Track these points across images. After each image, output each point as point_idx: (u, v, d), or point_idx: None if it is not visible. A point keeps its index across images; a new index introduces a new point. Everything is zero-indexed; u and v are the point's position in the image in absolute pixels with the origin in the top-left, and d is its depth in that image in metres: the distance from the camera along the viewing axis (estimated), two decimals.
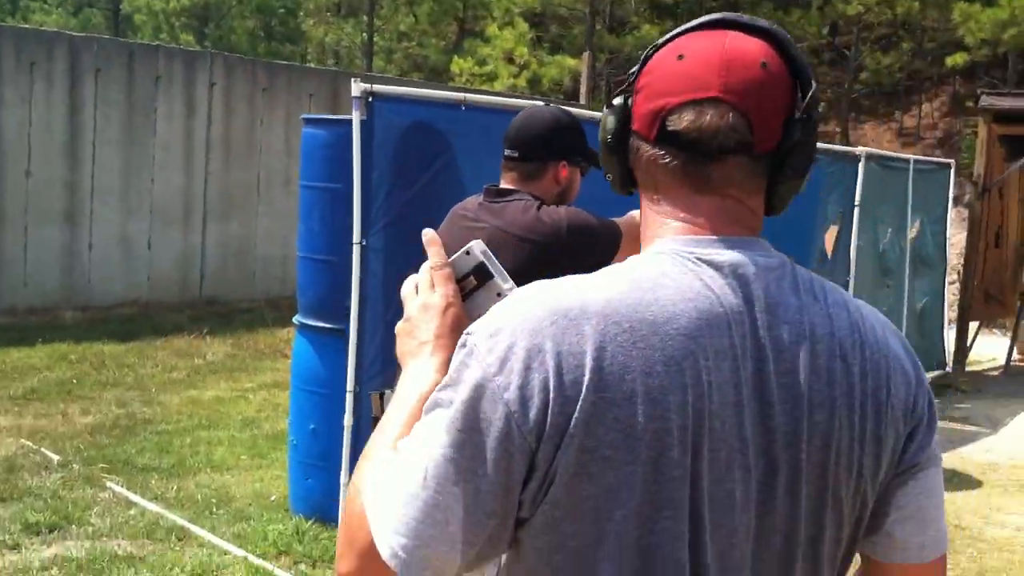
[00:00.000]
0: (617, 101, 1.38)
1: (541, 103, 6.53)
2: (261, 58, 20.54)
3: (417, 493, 1.20)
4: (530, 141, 3.03)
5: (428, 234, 1.53)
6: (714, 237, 1.31)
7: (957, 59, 21.68)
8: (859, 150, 10.26)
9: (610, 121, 1.38)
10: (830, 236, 9.31)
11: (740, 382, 1.24)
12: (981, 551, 6.16)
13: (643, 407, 1.19)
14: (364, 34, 28.50)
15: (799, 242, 7.93)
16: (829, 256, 9.20)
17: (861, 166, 9.95)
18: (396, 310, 4.87)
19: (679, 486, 1.21)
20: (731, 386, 1.24)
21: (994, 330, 14.67)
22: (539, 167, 3.04)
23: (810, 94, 1.32)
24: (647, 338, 1.21)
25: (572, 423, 1.18)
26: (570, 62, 23.47)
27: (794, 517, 1.28)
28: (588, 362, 1.19)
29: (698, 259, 1.28)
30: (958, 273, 13.89)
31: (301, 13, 31.73)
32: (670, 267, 1.27)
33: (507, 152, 3.07)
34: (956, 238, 13.51)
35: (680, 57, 1.32)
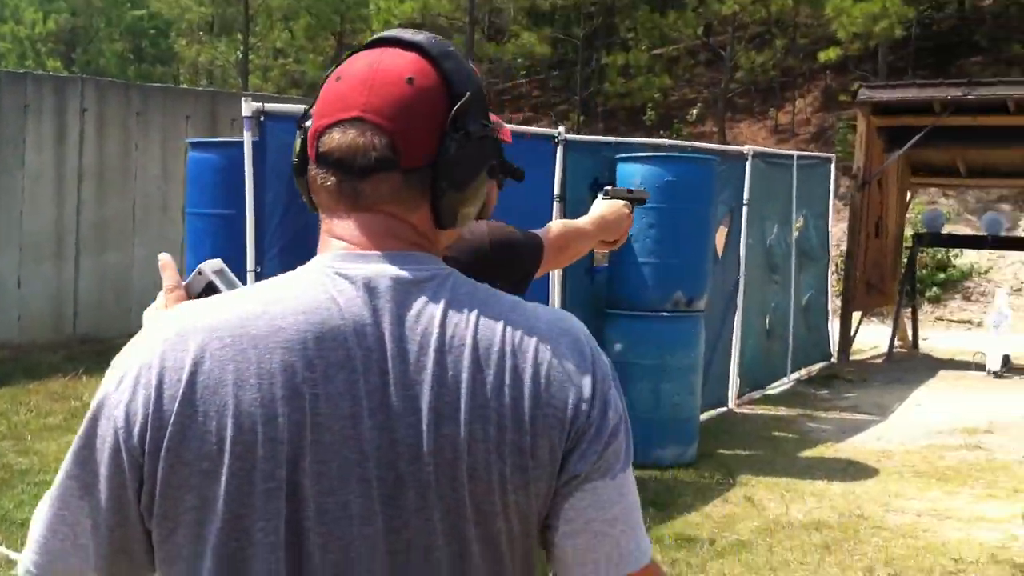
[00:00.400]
0: (306, 124, 1.38)
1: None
2: (134, 81, 20.02)
3: (45, 511, 1.28)
4: None
5: (162, 258, 1.55)
6: (358, 252, 1.31)
7: (830, 54, 22.09)
8: (746, 148, 10.41)
9: (297, 144, 1.39)
10: (720, 236, 9.40)
11: (359, 394, 1.24)
12: (886, 539, 6.22)
13: (233, 420, 1.21)
14: (239, 52, 28.02)
15: (695, 244, 7.95)
16: (720, 256, 9.27)
17: (748, 164, 10.09)
18: None
19: (273, 497, 1.22)
20: (347, 398, 1.23)
21: (872, 319, 14.99)
22: None
23: (456, 107, 1.32)
24: (245, 351, 1.23)
25: (168, 436, 1.21)
26: None
27: (430, 532, 1.26)
28: (185, 376, 1.22)
29: (336, 273, 1.29)
30: (836, 265, 14.18)
31: (172, 33, 31.10)
32: (303, 281, 1.29)
33: None
34: (836, 230, 13.78)
35: (338, 79, 1.35)
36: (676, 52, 27.47)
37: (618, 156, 8.08)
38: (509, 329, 1.29)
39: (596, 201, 3.13)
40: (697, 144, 11.19)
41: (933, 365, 12.98)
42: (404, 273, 1.30)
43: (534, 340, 1.29)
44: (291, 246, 5.22)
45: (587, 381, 1.29)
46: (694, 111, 26.01)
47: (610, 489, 1.30)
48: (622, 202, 3.11)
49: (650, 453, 7.64)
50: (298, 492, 1.22)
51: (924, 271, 17.00)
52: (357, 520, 1.24)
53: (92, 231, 12.77)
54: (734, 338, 9.88)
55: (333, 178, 1.32)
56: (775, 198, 10.96)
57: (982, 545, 6.13)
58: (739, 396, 10.08)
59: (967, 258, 18.16)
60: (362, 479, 1.24)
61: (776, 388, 11.06)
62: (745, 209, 10.02)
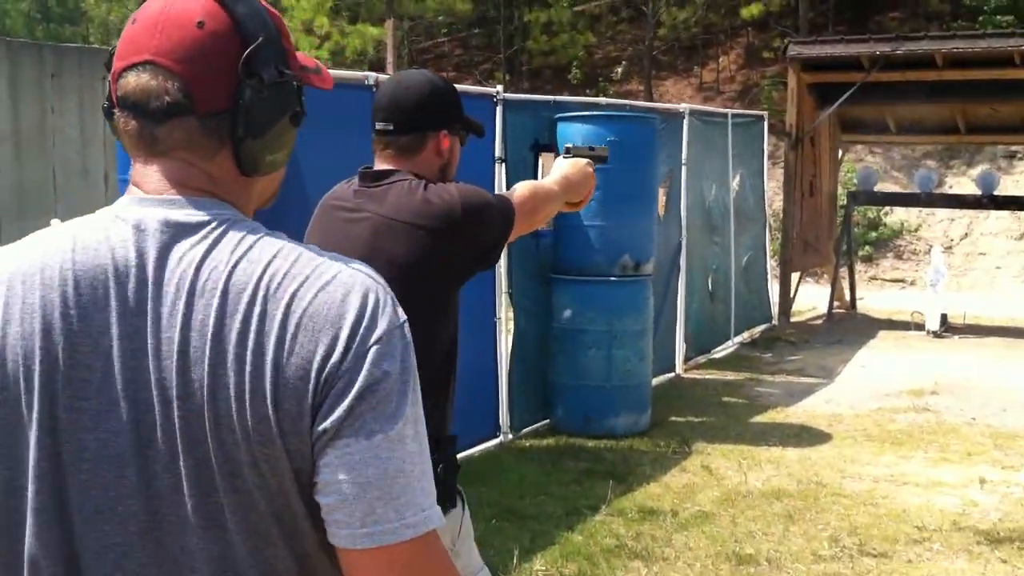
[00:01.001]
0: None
1: (373, 74, 6.15)
2: (49, 42, 19.27)
3: None
4: (406, 111, 2.66)
5: None
6: (143, 196, 1.31)
7: (753, 10, 22.11)
8: (682, 107, 10.24)
9: (106, 88, 1.37)
10: (661, 197, 9.21)
11: (117, 334, 1.25)
12: (847, 507, 6.13)
13: None
14: None
15: (641, 206, 7.77)
16: (661, 217, 9.09)
17: (685, 123, 9.92)
18: None
19: (38, 430, 1.25)
20: (106, 337, 1.25)
21: (808, 279, 15.02)
22: (418, 139, 2.67)
23: (247, 52, 1.31)
24: (14, 288, 1.27)
25: None
26: (373, 31, 22.82)
27: (180, 480, 1.25)
28: None
29: (116, 216, 1.30)
30: (770, 225, 14.16)
31: None
32: (88, 224, 1.31)
33: (379, 126, 2.68)
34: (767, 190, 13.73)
35: (134, 21, 1.34)
36: (598, 9, 27.25)
37: (557, 116, 7.83)
38: (268, 275, 1.26)
39: (558, 160, 3.02)
40: (634, 103, 10.99)
41: (872, 325, 13.03)
42: (176, 217, 1.29)
43: (292, 287, 1.25)
44: None
45: (344, 332, 1.24)
46: (619, 69, 25.86)
47: (364, 450, 1.23)
48: (585, 160, 3.02)
49: (604, 423, 7.51)
50: (58, 427, 1.25)
51: (857, 230, 17.06)
52: (115, 461, 1.25)
53: (10, 198, 12.21)
54: (679, 302, 9.72)
55: (133, 122, 1.32)
56: (712, 158, 10.83)
57: (943, 512, 6.08)
58: (686, 361, 9.97)
59: (897, 216, 18.32)
60: (119, 420, 1.24)
61: (721, 352, 10.99)
62: (684, 169, 9.86)
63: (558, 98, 8.80)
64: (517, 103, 7.83)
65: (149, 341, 1.24)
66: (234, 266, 1.26)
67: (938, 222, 18.21)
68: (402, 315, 1.31)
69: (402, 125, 2.66)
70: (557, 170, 2.98)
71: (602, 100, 10.02)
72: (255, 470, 1.24)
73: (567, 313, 7.58)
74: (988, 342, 11.81)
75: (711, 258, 10.81)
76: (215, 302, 1.24)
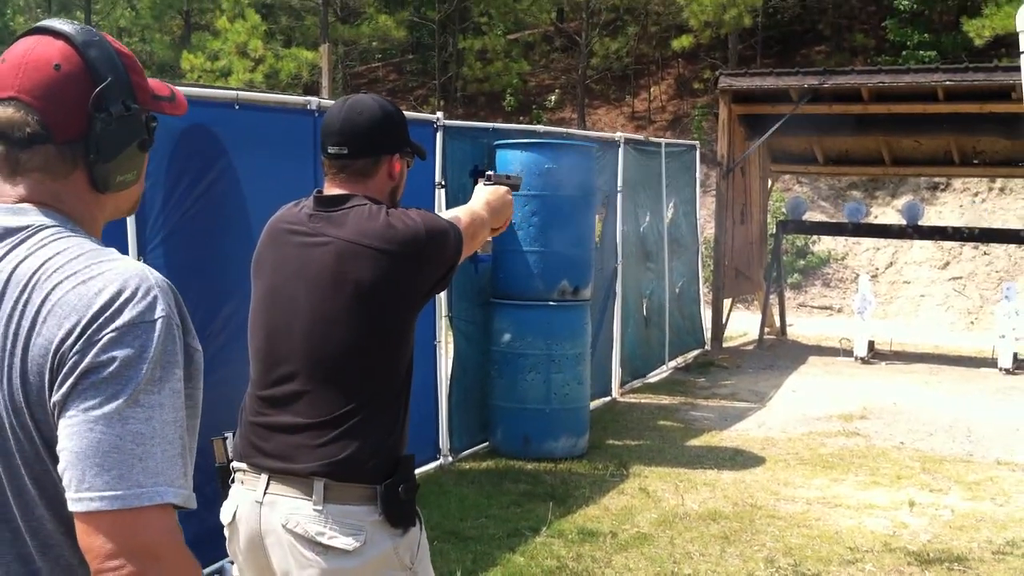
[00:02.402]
0: None
1: (315, 99, 6.17)
2: None
3: None
4: (360, 135, 2.67)
5: None
6: None
7: (683, 42, 22.41)
8: (618, 135, 10.36)
9: None
10: (596, 223, 9.32)
11: None
12: (781, 529, 6.23)
13: None
14: None
15: (578, 232, 7.86)
16: (598, 243, 9.19)
17: (621, 151, 10.05)
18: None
19: None
20: None
21: (738, 305, 15.23)
22: (372, 163, 2.68)
23: (96, 91, 1.53)
24: None
25: None
26: (307, 55, 22.74)
27: None
28: None
29: None
30: (700, 253, 14.36)
31: (8, 11, 29.57)
32: None
33: (332, 150, 2.68)
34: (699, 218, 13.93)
35: (3, 60, 1.55)
36: (532, 38, 27.48)
37: (496, 143, 7.90)
38: (42, 268, 1.45)
39: (478, 187, 3.06)
40: (571, 131, 11.09)
41: (801, 351, 13.26)
42: (4, 222, 1.50)
43: (57, 278, 1.44)
44: (174, 235, 4.91)
45: (85, 319, 1.40)
46: (552, 97, 26.06)
47: (81, 423, 1.37)
48: (504, 188, 3.06)
49: (543, 445, 7.56)
50: None
51: (786, 258, 17.34)
52: None
53: None
54: (615, 327, 9.83)
55: (1, 147, 1.53)
56: (647, 185, 10.98)
57: (874, 533, 6.21)
58: (622, 385, 10.06)
59: (824, 245, 18.65)
60: None
61: (656, 376, 11.11)
62: (619, 196, 9.98)
63: (497, 125, 8.87)
64: (456, 129, 7.87)
65: None
66: (21, 261, 1.47)
67: (864, 251, 18.59)
68: (160, 312, 1.44)
69: (356, 149, 2.67)
70: (479, 196, 3.01)
71: (540, 128, 10.12)
72: (15, 436, 1.43)
73: (506, 337, 7.63)
74: (914, 368, 12.09)
75: (646, 284, 10.94)
76: None
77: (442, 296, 7.33)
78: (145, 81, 1.65)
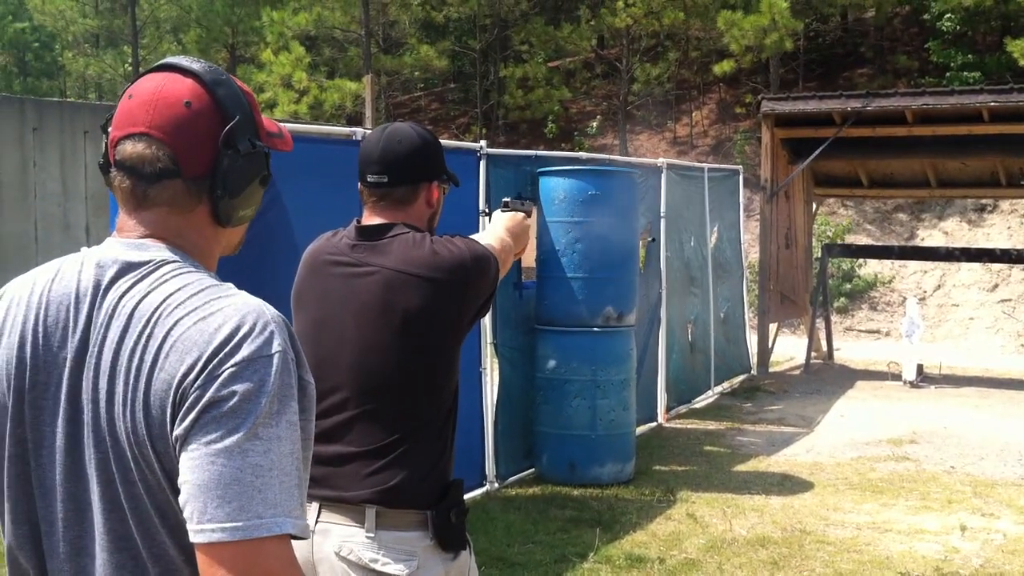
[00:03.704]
0: (108, 131, 1.63)
1: (360, 129, 6.24)
2: (28, 96, 19.29)
3: None
4: (400, 163, 2.69)
5: None
6: (115, 239, 1.60)
7: (724, 67, 22.35)
8: (660, 161, 10.37)
9: (102, 147, 1.64)
10: (640, 249, 9.32)
11: (71, 348, 1.53)
12: (831, 554, 6.18)
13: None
14: (127, 65, 27.30)
15: (622, 258, 7.86)
16: (642, 269, 9.19)
17: (663, 177, 10.05)
18: None
19: (9, 421, 1.55)
20: (64, 349, 1.54)
21: (784, 330, 15.13)
22: (411, 191, 2.70)
23: (226, 128, 1.59)
24: (10, 307, 1.59)
25: None
26: (351, 85, 22.97)
27: (89, 473, 1.51)
28: None
29: (92, 254, 1.59)
30: (744, 277, 14.30)
31: (57, 46, 30.13)
32: (72, 258, 1.62)
33: (372, 178, 2.70)
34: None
35: (130, 97, 1.61)
36: (573, 65, 27.57)
37: (539, 170, 7.94)
38: (165, 303, 1.49)
39: (495, 214, 3.08)
40: (613, 157, 11.13)
41: (849, 375, 13.16)
42: (129, 256, 1.56)
43: (178, 313, 1.48)
44: (223, 267, 4.94)
45: (206, 354, 1.44)
46: (594, 123, 26.11)
47: (203, 456, 1.41)
48: (521, 214, 3.08)
49: (589, 471, 7.55)
50: (24, 420, 1.54)
51: (832, 282, 17.24)
52: (60, 451, 1.53)
53: None
54: (660, 352, 9.81)
55: (128, 181, 1.58)
56: (690, 210, 10.98)
57: (925, 558, 6.14)
58: (667, 411, 10.04)
59: (871, 268, 18.50)
60: (63, 417, 1.52)
61: (702, 402, 11.06)
62: (663, 222, 9.98)
63: (539, 152, 8.91)
64: (500, 157, 7.92)
65: (88, 355, 1.51)
66: (145, 295, 1.51)
67: (911, 274, 18.42)
68: (277, 347, 1.48)
69: (396, 177, 2.68)
70: (499, 224, 3.02)
71: (582, 155, 10.16)
72: (137, 466, 1.47)
73: (551, 363, 7.64)
74: (964, 391, 11.94)
75: (690, 309, 10.92)
76: (122, 324, 1.50)
77: (487, 323, 7.36)
78: (262, 119, 1.72)
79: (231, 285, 1.57)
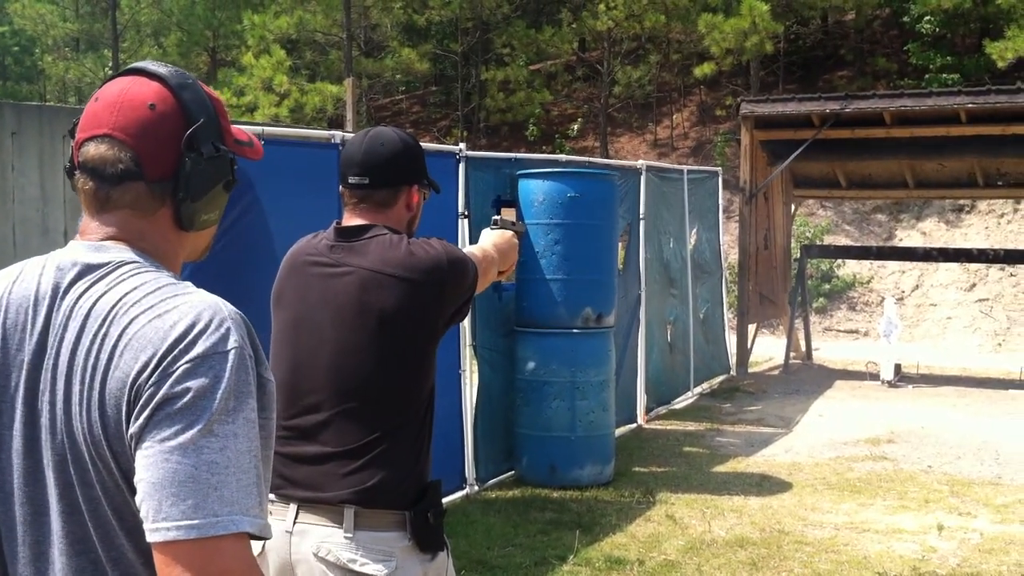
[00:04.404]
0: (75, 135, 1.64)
1: (339, 133, 6.25)
2: (7, 100, 19.22)
3: None
4: (381, 166, 2.71)
5: None
6: (77, 241, 1.60)
7: (705, 69, 22.40)
8: (639, 163, 10.41)
9: (68, 151, 1.65)
10: (619, 250, 9.35)
11: (28, 351, 1.53)
12: (809, 555, 6.22)
13: None
14: (107, 69, 27.17)
15: (601, 260, 7.89)
16: (621, 270, 9.22)
17: (643, 178, 10.09)
18: None
19: None
20: (21, 352, 1.54)
21: (763, 330, 15.18)
22: (391, 194, 2.74)
23: (189, 131, 1.59)
24: None
25: None
26: (332, 88, 22.92)
27: (45, 474, 1.51)
28: None
29: (53, 256, 1.59)
30: (724, 279, 14.34)
31: (37, 50, 29.99)
32: (35, 261, 1.61)
33: (353, 180, 2.73)
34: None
35: (96, 100, 1.62)
36: (554, 68, 27.60)
37: (519, 172, 7.95)
38: (120, 303, 1.49)
39: (485, 232, 3.12)
40: (593, 160, 11.16)
41: (828, 375, 13.21)
42: (87, 259, 1.55)
43: (133, 311, 1.48)
44: (201, 270, 4.93)
45: (160, 352, 1.43)
46: (575, 126, 26.14)
47: (156, 454, 1.40)
48: (510, 232, 3.12)
49: (569, 473, 7.57)
50: None
51: (811, 282, 17.30)
52: (18, 455, 1.53)
53: None
54: (639, 353, 9.84)
55: (91, 183, 1.58)
56: (669, 212, 11.02)
57: (903, 558, 6.18)
58: (647, 412, 10.06)
59: (849, 268, 18.58)
60: (21, 421, 1.53)
61: (681, 402, 11.10)
62: (642, 223, 10.02)
63: (519, 155, 8.92)
64: (479, 160, 7.93)
65: (45, 357, 1.52)
66: (101, 296, 1.51)
67: (890, 274, 18.51)
68: (233, 343, 1.47)
69: (377, 179, 2.71)
70: (487, 240, 3.06)
71: (562, 157, 10.18)
72: (95, 467, 1.47)
73: (531, 365, 7.66)
74: (942, 391, 12.01)
75: (670, 310, 10.95)
76: (79, 324, 1.50)
77: (466, 325, 7.38)
78: (230, 125, 1.72)
79: (189, 284, 1.56)
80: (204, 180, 1.62)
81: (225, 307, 1.52)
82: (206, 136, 1.61)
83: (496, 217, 3.18)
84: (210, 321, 1.48)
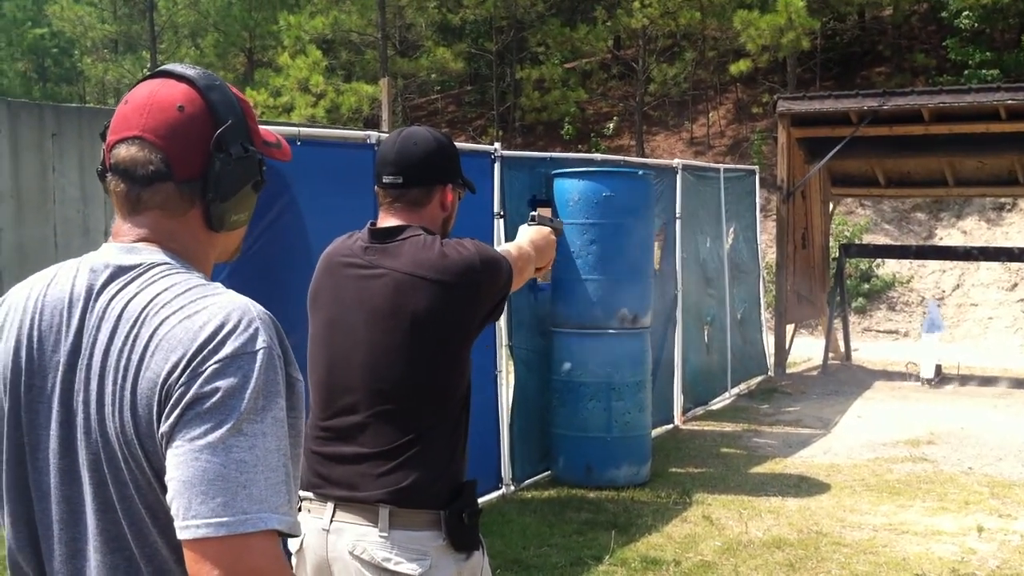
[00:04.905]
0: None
1: (375, 133, 6.27)
2: (43, 101, 19.42)
3: None
4: (415, 165, 2.72)
5: None
6: (110, 243, 1.62)
7: (741, 66, 22.26)
8: (675, 162, 10.37)
9: (100, 154, 1.67)
10: (655, 250, 9.32)
11: (63, 351, 1.55)
12: (847, 556, 6.18)
13: None
14: (146, 70, 27.39)
15: (637, 260, 7.87)
16: (657, 271, 9.19)
17: (679, 177, 10.05)
18: None
19: (5, 422, 1.59)
20: (56, 354, 1.56)
21: (801, 331, 15.08)
22: (425, 193, 2.74)
23: (218, 132, 1.61)
24: (8, 312, 1.62)
25: None
26: (367, 88, 23.01)
27: (81, 474, 1.54)
28: None
29: (86, 259, 1.61)
30: (761, 278, 14.25)
31: (76, 52, 30.30)
32: (68, 264, 1.64)
33: (387, 179, 2.74)
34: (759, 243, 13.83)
35: (126, 103, 1.64)
36: (589, 66, 27.55)
37: (554, 172, 7.95)
38: (151, 304, 1.51)
39: (522, 228, 3.12)
40: (628, 159, 11.12)
41: (867, 376, 13.11)
42: (120, 260, 1.58)
43: (164, 312, 1.50)
44: (238, 271, 4.95)
45: (189, 350, 1.46)
46: (610, 124, 26.09)
47: (187, 452, 1.42)
48: (548, 229, 3.12)
49: (605, 474, 7.56)
50: (20, 423, 1.57)
51: (849, 282, 17.16)
52: (55, 454, 1.55)
53: (12, 256, 12.26)
54: (676, 354, 9.81)
55: (123, 185, 1.60)
56: (705, 211, 10.97)
57: (942, 560, 6.14)
58: (684, 412, 10.03)
59: (889, 268, 18.44)
60: (57, 420, 1.55)
61: (718, 403, 11.06)
62: (678, 223, 9.98)
63: (554, 154, 8.93)
64: (514, 160, 7.93)
65: (80, 356, 1.54)
66: (132, 297, 1.53)
67: (930, 273, 18.35)
68: (262, 343, 1.49)
69: (411, 178, 2.72)
70: (524, 236, 3.06)
71: (597, 156, 10.15)
72: (127, 466, 1.49)
73: (567, 366, 7.65)
74: (982, 392, 11.90)
75: (707, 310, 10.90)
76: (111, 326, 1.52)
77: (502, 325, 7.38)
78: (258, 126, 1.74)
79: (219, 285, 1.59)
80: (233, 180, 1.65)
81: (254, 307, 1.54)
82: (234, 137, 1.64)
83: (534, 213, 3.17)
84: (239, 322, 1.50)
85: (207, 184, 1.62)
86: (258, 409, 1.45)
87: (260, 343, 1.49)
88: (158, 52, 28.00)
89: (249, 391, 1.45)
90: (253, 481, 1.42)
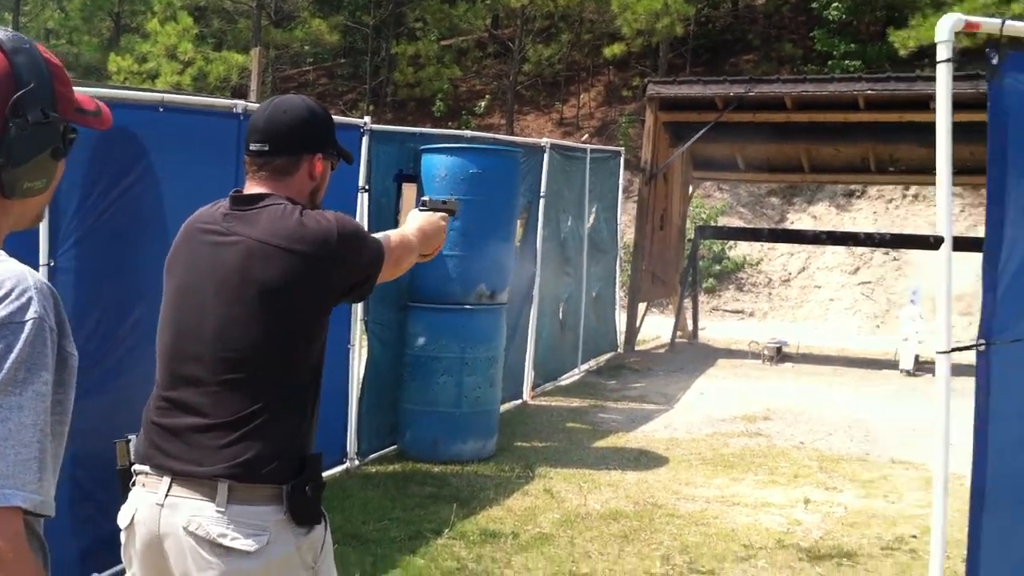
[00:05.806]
0: None
1: (242, 102, 6.14)
2: None
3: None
4: (283, 133, 2.66)
5: None
6: None
7: (615, 49, 22.53)
8: (544, 141, 10.44)
9: None
10: (518, 228, 9.44)
11: None
12: (679, 527, 6.38)
13: None
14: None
15: (499, 237, 7.97)
16: (518, 248, 9.31)
17: (546, 156, 10.15)
18: (95, 338, 4.32)
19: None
20: None
21: (653, 309, 15.40)
22: (292, 161, 2.67)
23: (15, 96, 1.56)
24: None
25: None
26: (238, 58, 22.68)
27: None
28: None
29: None
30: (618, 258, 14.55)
31: None
32: None
33: (254, 147, 2.67)
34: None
35: None
36: (465, 44, 27.56)
37: (422, 147, 7.94)
38: None
39: (412, 213, 3.05)
40: (497, 136, 11.23)
41: (712, 354, 13.54)
42: None
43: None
44: (88, 237, 4.87)
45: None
46: (482, 103, 26.17)
47: None
48: (439, 214, 3.04)
49: (452, 448, 7.67)
50: None
51: (702, 263, 17.59)
52: None
53: None
54: (530, 330, 10.01)
55: None
56: (570, 191, 11.14)
57: (769, 530, 6.38)
58: (533, 388, 10.23)
59: (740, 250, 18.96)
60: None
61: (568, 379, 11.29)
62: (542, 201, 10.11)
63: (424, 130, 8.89)
64: (383, 134, 7.85)
65: None
66: None
67: (778, 256, 18.92)
68: (32, 313, 1.48)
69: (277, 146, 2.66)
70: (413, 222, 3.00)
71: (467, 133, 10.23)
72: None
73: (421, 340, 7.72)
74: (819, 370, 12.41)
75: (563, 288, 11.09)
76: None
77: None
78: (70, 92, 1.68)
79: (1, 252, 1.55)
80: (28, 146, 1.58)
81: (31, 276, 1.50)
82: (34, 102, 1.58)
83: (425, 198, 3.08)
84: (11, 290, 1.46)
85: (0, 149, 1.56)
86: (18, 381, 1.42)
87: (31, 313, 1.46)
88: (20, 14, 27.05)
89: (10, 361, 1.41)
90: (1, 455, 1.38)
